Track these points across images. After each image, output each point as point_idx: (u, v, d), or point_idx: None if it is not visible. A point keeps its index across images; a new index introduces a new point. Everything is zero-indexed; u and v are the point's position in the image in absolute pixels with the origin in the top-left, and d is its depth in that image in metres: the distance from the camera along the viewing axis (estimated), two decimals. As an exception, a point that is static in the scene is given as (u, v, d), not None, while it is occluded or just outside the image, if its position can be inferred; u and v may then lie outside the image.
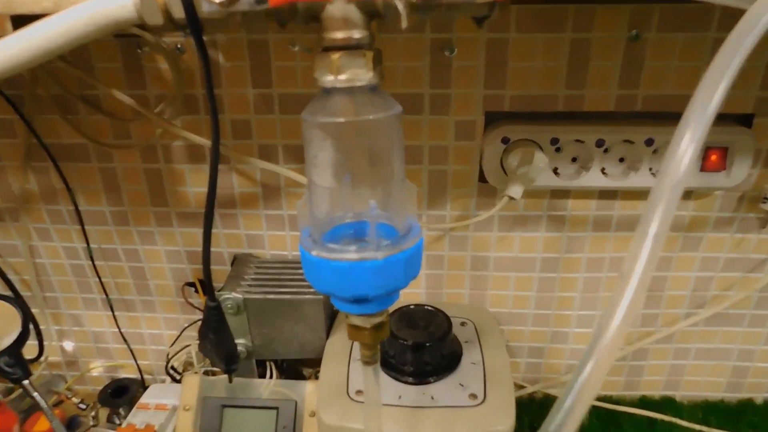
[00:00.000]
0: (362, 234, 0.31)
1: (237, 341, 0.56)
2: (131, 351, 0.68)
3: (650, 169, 0.53)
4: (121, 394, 0.69)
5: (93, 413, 0.65)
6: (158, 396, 0.58)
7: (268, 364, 0.60)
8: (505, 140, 0.52)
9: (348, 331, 0.32)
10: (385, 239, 0.28)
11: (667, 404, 0.69)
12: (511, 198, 0.51)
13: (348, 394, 0.49)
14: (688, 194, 0.57)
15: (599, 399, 0.68)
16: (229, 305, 0.54)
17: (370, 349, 0.32)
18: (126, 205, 0.61)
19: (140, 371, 0.70)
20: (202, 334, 0.34)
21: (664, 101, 0.52)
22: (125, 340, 0.67)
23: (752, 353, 0.66)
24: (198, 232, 0.62)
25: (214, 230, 0.62)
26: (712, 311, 0.61)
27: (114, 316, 0.66)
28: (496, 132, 0.52)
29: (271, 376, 0.59)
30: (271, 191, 0.59)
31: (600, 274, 0.62)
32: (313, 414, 0.53)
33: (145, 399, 0.57)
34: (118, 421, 0.67)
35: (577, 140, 0.52)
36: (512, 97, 0.53)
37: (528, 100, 0.53)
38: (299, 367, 0.65)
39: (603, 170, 0.53)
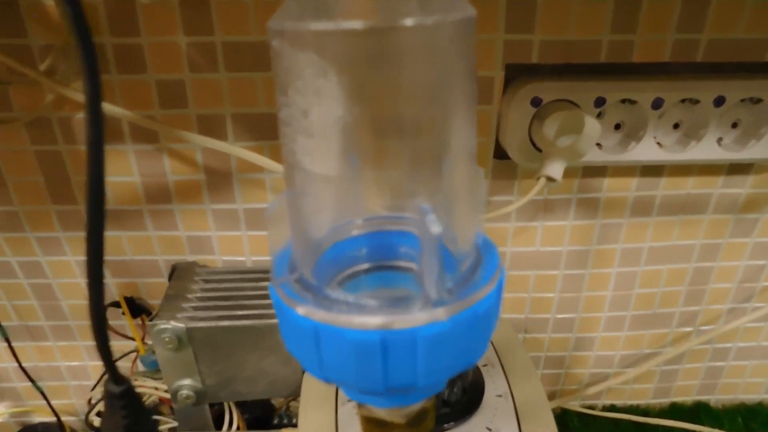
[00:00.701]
0: (385, 257, 0.17)
1: (181, 382, 0.42)
2: (40, 390, 0.52)
3: (719, 140, 0.41)
4: (33, 448, 0.53)
5: (-7, 478, 0.49)
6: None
7: (227, 406, 0.45)
8: (535, 102, 0.39)
9: (362, 427, 0.18)
10: (446, 277, 0.14)
11: (702, 411, 0.59)
12: (550, 179, 0.38)
13: (339, 455, 0.36)
14: (747, 168, 0.46)
15: (625, 410, 0.58)
16: (166, 339, 0.39)
17: (402, 452, 0.19)
18: (15, 203, 0.44)
19: (57, 415, 0.54)
20: (108, 420, 0.20)
21: (734, 48, 0.40)
22: (30, 378, 0.51)
23: (797, 349, 0.57)
24: (122, 236, 0.46)
25: (143, 233, 0.46)
26: (765, 309, 0.51)
27: (11, 348, 0.50)
28: (523, 91, 0.39)
29: (231, 424, 0.45)
30: (218, 178, 0.44)
31: (636, 268, 0.50)
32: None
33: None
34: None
35: (626, 100, 0.40)
36: (542, 44, 0.39)
37: (562, 49, 0.39)
38: (269, 404, 0.51)
39: (656, 139, 0.41)
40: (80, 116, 0.41)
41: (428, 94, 0.13)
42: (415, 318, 0.13)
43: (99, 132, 0.17)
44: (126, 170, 0.43)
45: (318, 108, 0.12)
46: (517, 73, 0.40)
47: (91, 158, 0.17)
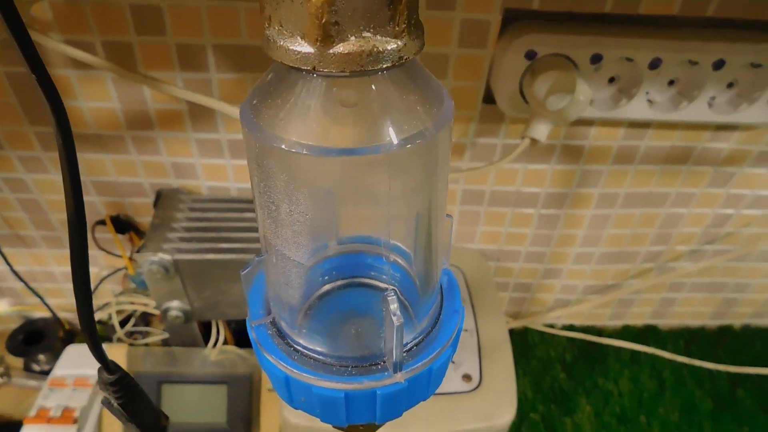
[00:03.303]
0: (354, 273, 0.18)
1: (170, 304, 0.44)
2: (33, 291, 0.55)
3: (711, 99, 0.40)
4: (35, 341, 0.57)
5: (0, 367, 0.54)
6: (77, 364, 0.47)
7: (214, 323, 0.49)
8: (530, 54, 0.37)
9: (332, 419, 0.21)
10: (409, 315, 0.15)
11: (650, 333, 0.65)
12: (534, 140, 0.38)
13: (316, 380, 0.40)
14: (733, 126, 0.45)
15: (583, 329, 0.64)
16: (154, 270, 0.41)
17: (365, 436, 0.21)
18: (-8, 123, 0.43)
19: (53, 312, 0.57)
20: (105, 399, 0.22)
21: (744, 4, 0.38)
22: (21, 279, 0.54)
23: (746, 286, 0.61)
24: (105, 158, 0.46)
25: (126, 156, 0.46)
26: (728, 254, 0.54)
27: (1, 253, 0.52)
28: (518, 42, 0.37)
29: (218, 339, 0.48)
30: (200, 109, 0.43)
31: (611, 210, 0.52)
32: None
33: (60, 370, 0.46)
34: (39, 368, 0.57)
35: (624, 58, 0.38)
36: (545, -10, 0.37)
37: (566, -5, 0.37)
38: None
39: (648, 96, 0.40)
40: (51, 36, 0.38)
41: (402, 191, 0.13)
42: (376, 382, 0.15)
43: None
44: (103, 96, 0.41)
45: (288, 207, 0.13)
46: (514, 19, 0.38)
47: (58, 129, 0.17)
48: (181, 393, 0.44)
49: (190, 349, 0.45)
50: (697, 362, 0.61)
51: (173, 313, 0.45)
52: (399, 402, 0.16)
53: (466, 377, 0.41)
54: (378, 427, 0.20)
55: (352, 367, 0.15)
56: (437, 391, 0.40)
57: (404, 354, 0.15)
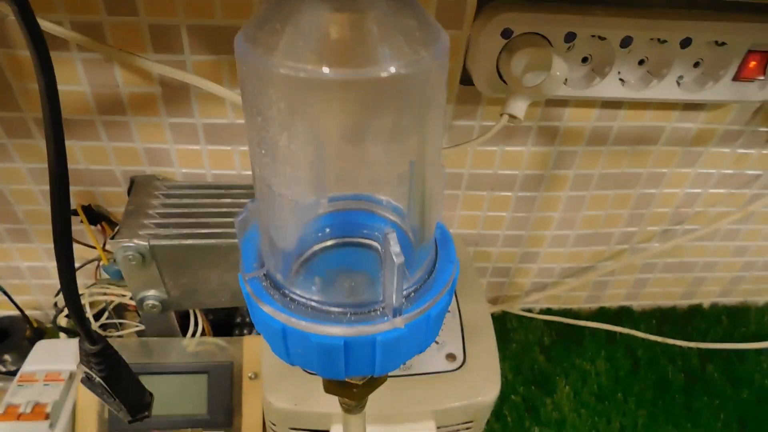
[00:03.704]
0: (346, 233, 0.18)
1: (146, 293, 0.43)
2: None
3: (679, 78, 0.42)
4: (0, 339, 0.55)
5: (-36, 369, 0.52)
6: (48, 359, 0.45)
7: (192, 313, 0.48)
8: (506, 33, 0.38)
9: (324, 384, 0.21)
10: (405, 286, 0.15)
11: (624, 314, 0.67)
12: (513, 117, 0.38)
13: (299, 364, 0.40)
14: (701, 105, 0.47)
15: (560, 313, 0.65)
16: (130, 256, 0.40)
17: (358, 401, 0.21)
18: (-47, 108, 0.41)
19: (20, 309, 0.55)
20: (86, 376, 0.22)
21: (711, -16, 0.39)
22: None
23: (714, 265, 0.64)
24: (74, 145, 0.45)
25: (96, 143, 0.44)
26: (696, 233, 0.55)
27: (-30, 252, 0.50)
28: (494, 21, 0.37)
29: (196, 329, 0.47)
30: (175, 92, 0.42)
31: (585, 192, 0.53)
32: (255, 376, 0.44)
33: (30, 366, 0.44)
34: (5, 369, 0.54)
35: (596, 36, 0.39)
36: (520, -31, 0.37)
37: (540, -26, 0.38)
38: (232, 311, 0.54)
39: (620, 75, 0.41)
40: (12, 18, 0.37)
41: (397, 127, 0.13)
42: (376, 327, 0.15)
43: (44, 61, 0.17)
44: (72, 79, 0.40)
45: (286, 139, 0.12)
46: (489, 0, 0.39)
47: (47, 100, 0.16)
48: (159, 384, 0.43)
49: (167, 339, 0.44)
50: (669, 340, 0.63)
51: (150, 302, 0.43)
52: (398, 350, 0.15)
53: (450, 356, 0.41)
54: (372, 386, 0.20)
55: (351, 314, 0.15)
56: (421, 370, 0.40)
57: (403, 300, 0.15)
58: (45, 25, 0.34)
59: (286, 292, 0.16)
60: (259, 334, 0.44)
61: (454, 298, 0.45)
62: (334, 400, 0.38)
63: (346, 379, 0.20)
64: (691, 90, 0.42)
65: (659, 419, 0.57)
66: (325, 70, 0.11)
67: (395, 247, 0.13)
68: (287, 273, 0.16)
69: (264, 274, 0.16)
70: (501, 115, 0.39)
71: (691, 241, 0.59)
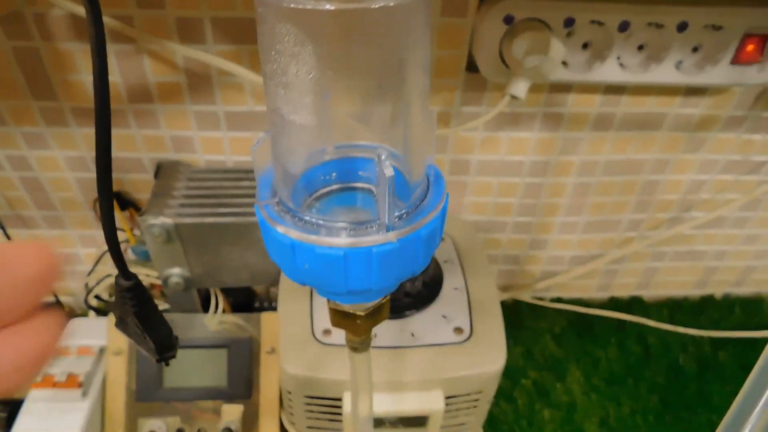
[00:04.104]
0: (350, 178, 0.20)
1: (171, 270, 0.46)
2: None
3: (678, 63, 0.43)
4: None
5: None
6: (81, 335, 0.48)
7: (213, 291, 0.51)
8: (508, 19, 0.40)
9: (330, 317, 0.23)
10: (399, 205, 0.18)
11: (635, 303, 0.67)
12: (514, 97, 0.40)
13: (314, 335, 0.42)
14: (703, 91, 0.48)
15: (571, 302, 0.66)
16: (156, 233, 0.43)
17: (362, 335, 0.23)
18: (-3, 98, 0.45)
19: (54, 295, 0.59)
20: (119, 319, 0.24)
21: (706, -30, 0.41)
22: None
23: (725, 253, 0.64)
24: (106, 133, 0.48)
25: (126, 130, 0.48)
26: (702, 219, 0.56)
27: (6, 234, 0.53)
28: (496, 8, 0.40)
29: (217, 307, 0.50)
30: (199, 81, 0.45)
31: (592, 179, 0.55)
32: (272, 351, 0.46)
33: (64, 341, 0.47)
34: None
35: (595, 21, 0.41)
36: (520, -41, 0.40)
37: (540, -36, 0.40)
38: (251, 290, 0.56)
39: (619, 60, 0.43)
40: (56, 12, 0.40)
41: (391, 59, 0.16)
42: (371, 239, 0.17)
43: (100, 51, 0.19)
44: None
45: (295, 68, 0.15)
46: (493, -12, 0.41)
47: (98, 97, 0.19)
48: (182, 358, 0.46)
49: (190, 316, 0.47)
50: (681, 329, 0.63)
51: (174, 279, 0.46)
52: (393, 263, 0.17)
53: (458, 330, 0.43)
54: (374, 320, 0.22)
55: (351, 230, 0.17)
56: (430, 342, 0.41)
57: (396, 219, 0.17)
58: (79, 10, 0.37)
59: (296, 215, 0.18)
60: (274, 310, 0.47)
61: (462, 275, 0.47)
62: (346, 367, 0.40)
63: (350, 310, 0.22)
64: (691, 73, 0.44)
65: (671, 404, 0.57)
66: (327, 4, 0.13)
67: (386, 163, 0.16)
68: (298, 202, 0.19)
69: (276, 202, 0.18)
70: (503, 96, 0.41)
71: (700, 228, 0.60)
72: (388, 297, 0.22)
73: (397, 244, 0.17)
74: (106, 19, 0.38)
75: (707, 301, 0.69)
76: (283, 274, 0.45)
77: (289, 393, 0.42)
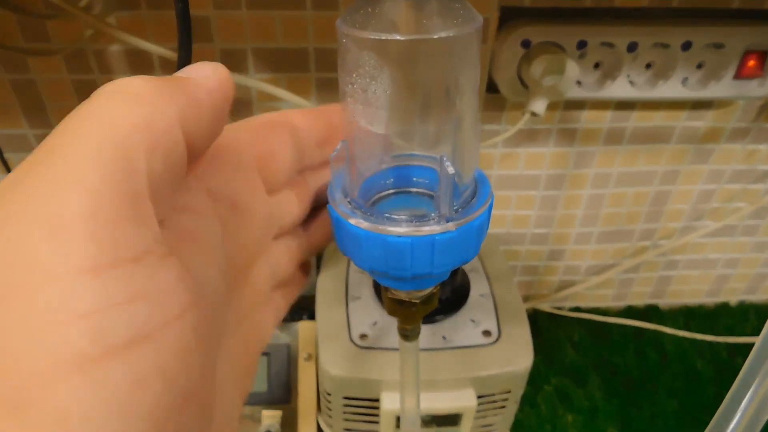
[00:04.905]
0: (403, 184, 0.23)
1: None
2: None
3: (684, 79, 0.47)
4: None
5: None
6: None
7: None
8: (525, 43, 0.44)
9: (387, 306, 0.26)
10: (454, 202, 0.21)
11: (652, 312, 0.69)
12: (534, 114, 0.44)
13: (351, 339, 0.45)
14: (708, 104, 0.52)
15: (589, 311, 0.68)
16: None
17: (415, 322, 0.26)
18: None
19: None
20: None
21: (706, -5, 0.45)
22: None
23: (737, 261, 0.66)
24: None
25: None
26: (712, 227, 0.59)
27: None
28: (515, 34, 0.43)
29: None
30: (241, 106, 0.49)
31: (605, 190, 0.58)
32: (309, 357, 0.49)
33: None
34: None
35: (605, 43, 0.45)
36: (534, -11, 0.44)
37: (552, -7, 0.44)
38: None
39: (629, 78, 0.47)
40: (113, 48, 0.45)
41: (448, 80, 0.19)
42: (433, 229, 0.20)
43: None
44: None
45: (373, 87, 0.18)
46: (510, 16, 0.45)
47: None
48: (225, 364, 0.48)
49: (231, 325, 0.50)
50: (698, 336, 0.65)
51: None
52: (451, 250, 0.21)
53: (486, 333, 0.45)
54: (427, 307, 0.25)
55: (415, 221, 0.20)
56: (461, 344, 0.44)
57: (453, 210, 0.21)
58: (142, 44, 0.41)
59: (366, 211, 0.21)
60: (312, 319, 0.50)
61: (487, 283, 0.50)
62: (384, 369, 0.43)
63: (406, 298, 0.25)
64: (696, 89, 0.47)
65: (690, 407, 0.59)
66: (398, 36, 0.17)
67: (447, 164, 0.19)
68: (366, 200, 0.22)
69: (349, 201, 0.22)
70: (523, 113, 0.44)
71: (711, 236, 0.63)
72: (438, 287, 0.25)
73: (456, 233, 0.20)
74: (160, 50, 0.42)
75: (722, 308, 0.71)
76: (319, 284, 0.48)
77: (329, 395, 0.44)
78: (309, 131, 0.23)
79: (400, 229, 0.20)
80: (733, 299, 0.71)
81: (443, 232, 0.20)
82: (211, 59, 0.43)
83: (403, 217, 0.20)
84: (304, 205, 0.25)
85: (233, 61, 0.46)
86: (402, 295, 0.25)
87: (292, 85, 0.47)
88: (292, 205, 0.24)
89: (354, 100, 0.19)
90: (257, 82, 0.44)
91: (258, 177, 0.22)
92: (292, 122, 0.23)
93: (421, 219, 0.20)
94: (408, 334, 0.27)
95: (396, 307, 0.25)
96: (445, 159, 0.19)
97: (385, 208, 0.23)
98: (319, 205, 0.26)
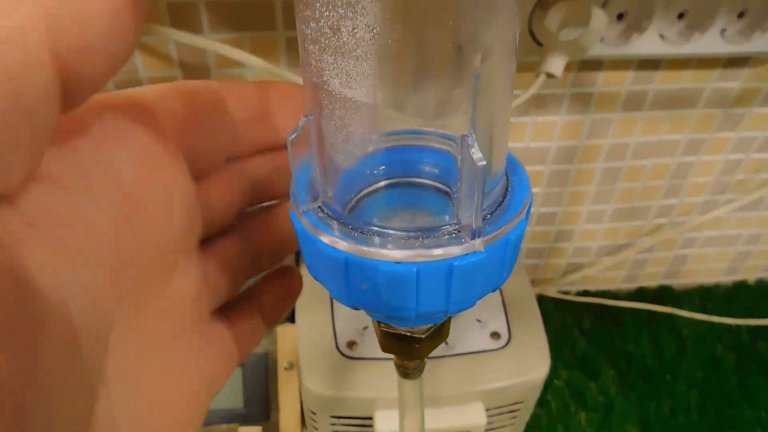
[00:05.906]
0: (400, 172, 0.16)
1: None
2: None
3: (722, 31, 0.39)
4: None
5: None
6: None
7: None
8: (538, -10, 0.36)
9: (381, 340, 0.19)
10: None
11: (665, 293, 0.64)
12: (550, 76, 0.36)
13: (338, 348, 0.38)
14: (744, 61, 0.45)
15: (598, 295, 0.62)
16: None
17: (419, 359, 0.19)
18: None
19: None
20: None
21: (752, -73, 0.37)
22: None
23: (759, 237, 0.61)
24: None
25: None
26: (739, 201, 0.53)
27: None
28: (525, -23, 0.36)
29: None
30: (195, 74, 0.41)
31: (622, 163, 0.51)
32: (291, 366, 0.42)
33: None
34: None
35: (633, -12, 0.37)
36: None
37: (570, -74, 0.36)
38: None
39: (658, 30, 0.39)
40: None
41: (474, 12, 0.12)
42: (451, 250, 0.13)
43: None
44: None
45: (351, 24, 0.11)
46: (519, -45, 0.37)
47: None
48: (192, 378, 0.42)
49: (198, 332, 0.43)
50: (715, 318, 0.60)
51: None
52: (476, 278, 0.14)
53: (495, 335, 0.39)
54: (434, 342, 0.18)
55: (422, 238, 0.13)
56: (466, 349, 0.38)
57: (481, 220, 0.13)
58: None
59: (347, 222, 0.14)
60: (293, 323, 0.43)
61: (493, 275, 0.43)
62: (377, 384, 0.36)
63: (407, 333, 0.18)
64: (736, 42, 0.40)
65: (712, 400, 0.54)
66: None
67: (475, 149, 0.12)
68: (345, 203, 0.15)
69: (318, 207, 0.14)
70: (537, 75, 0.37)
71: (734, 211, 0.56)
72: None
73: (484, 254, 0.13)
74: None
75: (740, 287, 0.65)
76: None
77: (314, 414, 0.38)
78: (239, 105, 0.16)
79: (398, 252, 0.13)
80: (752, 277, 0.66)
81: (466, 254, 0.13)
82: (155, 15, 0.35)
83: (403, 230, 0.13)
84: (237, 200, 0.18)
85: (182, 17, 0.37)
86: (401, 330, 0.18)
87: (257, 46, 0.39)
88: (224, 197, 0.17)
89: (319, 47, 0.11)
90: (213, 43, 0.36)
91: (179, 150, 0.15)
92: (216, 92, 0.16)
93: (430, 232, 0.13)
94: (409, 372, 0.20)
95: (392, 344, 0.18)
96: (469, 139, 0.12)
97: (374, 211, 0.16)
98: (257, 202, 0.19)
